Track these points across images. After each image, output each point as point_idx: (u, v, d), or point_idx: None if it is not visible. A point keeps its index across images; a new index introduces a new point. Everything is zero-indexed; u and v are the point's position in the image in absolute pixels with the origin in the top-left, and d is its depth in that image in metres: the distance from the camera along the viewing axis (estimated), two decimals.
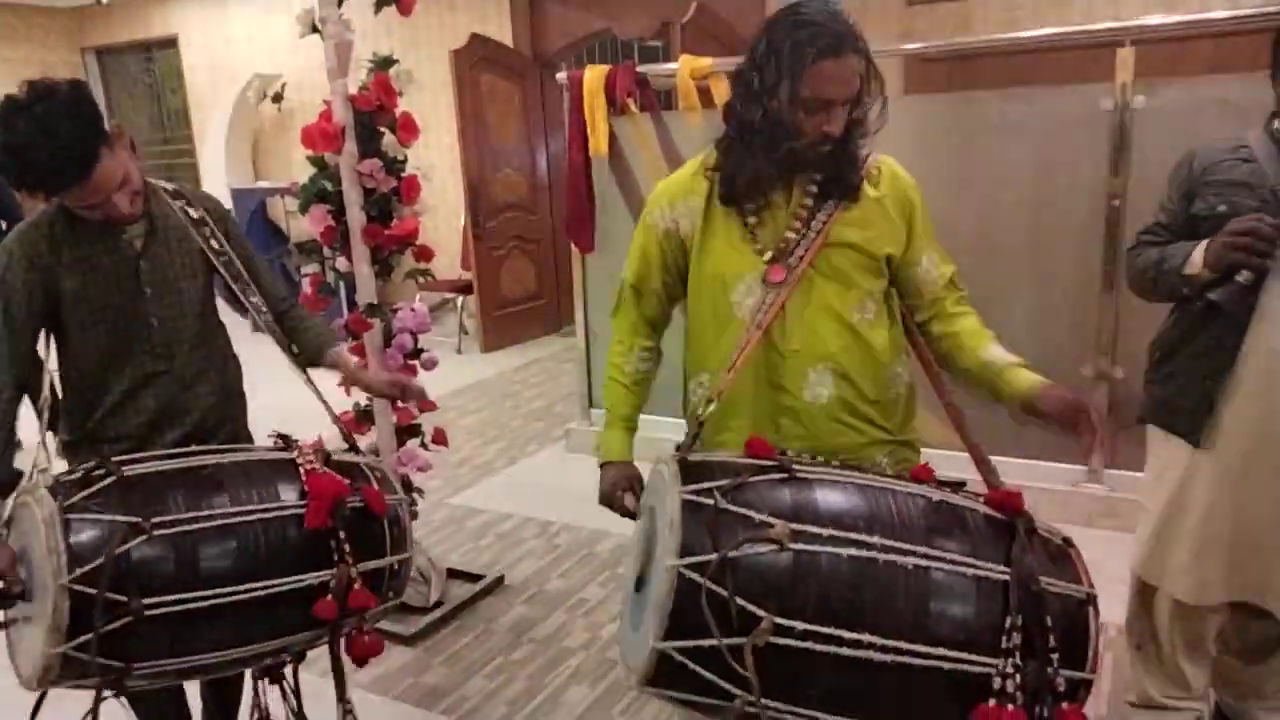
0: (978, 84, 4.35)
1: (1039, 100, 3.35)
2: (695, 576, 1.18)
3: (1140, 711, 2.16)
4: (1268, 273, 1.67)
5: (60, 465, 1.70)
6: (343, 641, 1.64)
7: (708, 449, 1.61)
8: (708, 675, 1.19)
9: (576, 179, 4.08)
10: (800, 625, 1.17)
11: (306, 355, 1.98)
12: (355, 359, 2.04)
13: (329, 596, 1.55)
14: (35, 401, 1.74)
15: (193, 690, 2.05)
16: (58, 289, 1.69)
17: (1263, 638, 2.01)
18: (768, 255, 1.53)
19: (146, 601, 1.41)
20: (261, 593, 1.50)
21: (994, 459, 1.57)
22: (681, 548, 1.20)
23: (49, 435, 1.68)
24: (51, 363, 1.79)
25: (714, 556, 1.18)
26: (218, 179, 7.78)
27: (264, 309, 1.90)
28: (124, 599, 1.40)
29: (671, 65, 3.96)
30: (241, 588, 1.48)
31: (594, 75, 3.94)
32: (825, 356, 1.52)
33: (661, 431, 1.78)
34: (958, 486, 1.41)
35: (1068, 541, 1.37)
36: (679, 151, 3.93)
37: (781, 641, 1.17)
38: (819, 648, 1.18)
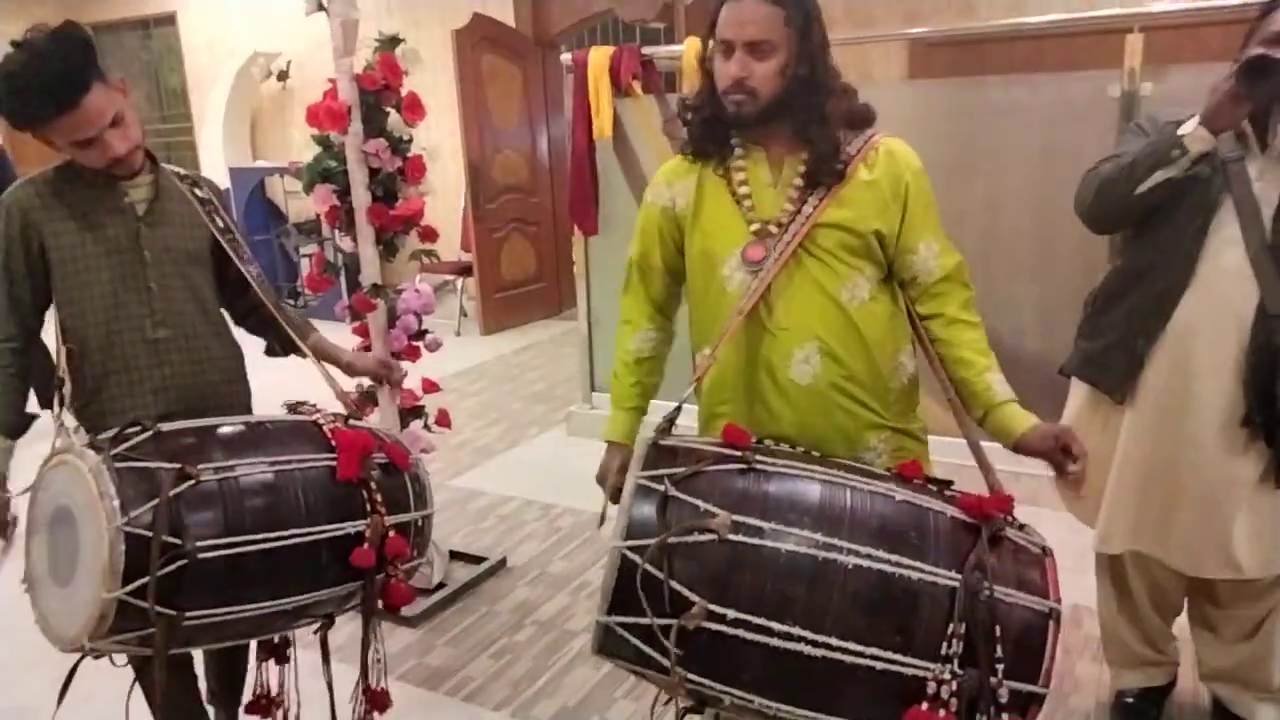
0: (983, 70, 4.34)
1: (1045, 86, 3.33)
2: (635, 558, 1.25)
3: (1122, 671, 2.23)
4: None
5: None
6: (379, 590, 1.68)
7: (705, 427, 1.65)
8: (646, 649, 1.27)
9: (580, 161, 4.06)
10: (732, 613, 1.22)
11: (285, 344, 2.02)
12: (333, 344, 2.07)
13: (365, 545, 1.59)
14: (46, 387, 1.76)
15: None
16: (53, 244, 1.71)
17: (1241, 627, 2.04)
18: (754, 227, 1.54)
19: (199, 544, 1.44)
20: (305, 539, 1.54)
21: (997, 445, 1.57)
22: (627, 530, 1.27)
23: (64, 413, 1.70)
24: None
25: (653, 541, 1.24)
26: (216, 158, 7.73)
27: (269, 291, 1.91)
28: (178, 541, 1.42)
29: (677, 47, 3.94)
30: (286, 533, 1.52)
31: (599, 56, 3.91)
32: (812, 335, 1.52)
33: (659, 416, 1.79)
34: (944, 486, 1.42)
35: (1046, 551, 1.36)
36: (682, 134, 3.91)
37: (714, 627, 1.23)
38: (749, 636, 1.22)
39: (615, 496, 1.59)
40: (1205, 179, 1.78)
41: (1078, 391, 2.06)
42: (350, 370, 2.11)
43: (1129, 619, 2.16)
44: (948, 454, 1.80)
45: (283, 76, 7.71)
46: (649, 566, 1.24)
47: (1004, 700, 1.21)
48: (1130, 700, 2.20)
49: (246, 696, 2.03)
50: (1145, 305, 1.86)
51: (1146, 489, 1.90)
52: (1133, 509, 1.93)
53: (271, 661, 1.93)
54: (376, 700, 1.85)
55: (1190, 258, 1.80)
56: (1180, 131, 1.75)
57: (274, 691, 1.96)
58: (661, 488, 1.29)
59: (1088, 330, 2.02)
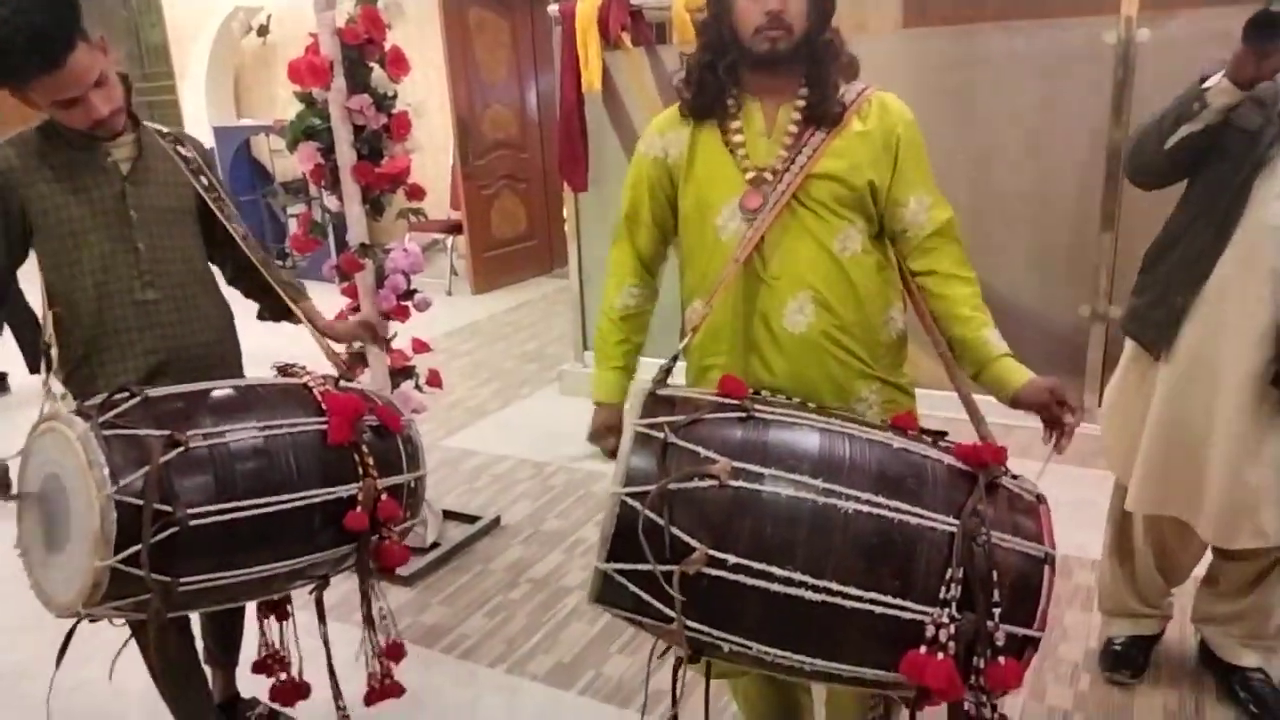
0: (979, 17, 4.26)
1: (1041, 34, 3.29)
2: (636, 504, 1.25)
3: (1112, 619, 2.26)
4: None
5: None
6: (373, 551, 1.67)
7: (696, 380, 1.64)
8: (645, 597, 1.27)
9: (569, 115, 4.00)
10: (732, 558, 1.22)
11: (277, 310, 1.99)
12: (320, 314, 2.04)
13: (358, 509, 1.59)
14: (34, 352, 1.74)
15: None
16: (36, 206, 1.68)
17: (1244, 578, 2.05)
18: (749, 174, 1.52)
19: (190, 511, 1.43)
20: (298, 503, 1.53)
21: (988, 398, 1.57)
22: (626, 477, 1.28)
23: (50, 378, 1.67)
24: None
25: (653, 487, 1.24)
26: (200, 117, 7.62)
27: (256, 249, 1.89)
28: (169, 509, 1.41)
29: None
30: (277, 498, 1.51)
31: (587, 7, 3.83)
32: (805, 284, 1.52)
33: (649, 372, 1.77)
34: (938, 437, 1.42)
35: (1040, 499, 1.37)
36: (673, 86, 3.85)
37: (714, 572, 1.23)
38: (750, 581, 1.23)
39: (614, 455, 1.58)
40: (1254, 131, 1.73)
41: (1128, 347, 2.05)
42: (336, 339, 2.06)
43: (1128, 576, 2.18)
44: (937, 407, 1.80)
45: (263, 32, 7.57)
46: (649, 512, 1.24)
47: (1000, 643, 1.22)
48: (1118, 647, 2.22)
49: (249, 656, 2.04)
50: (1186, 260, 1.84)
51: (1176, 450, 1.89)
52: (1163, 471, 1.92)
53: (272, 618, 1.94)
54: (393, 652, 1.87)
55: (1233, 212, 1.76)
56: (1205, 85, 1.71)
57: (277, 649, 1.97)
58: (661, 435, 1.29)
59: (1138, 286, 2.00)
